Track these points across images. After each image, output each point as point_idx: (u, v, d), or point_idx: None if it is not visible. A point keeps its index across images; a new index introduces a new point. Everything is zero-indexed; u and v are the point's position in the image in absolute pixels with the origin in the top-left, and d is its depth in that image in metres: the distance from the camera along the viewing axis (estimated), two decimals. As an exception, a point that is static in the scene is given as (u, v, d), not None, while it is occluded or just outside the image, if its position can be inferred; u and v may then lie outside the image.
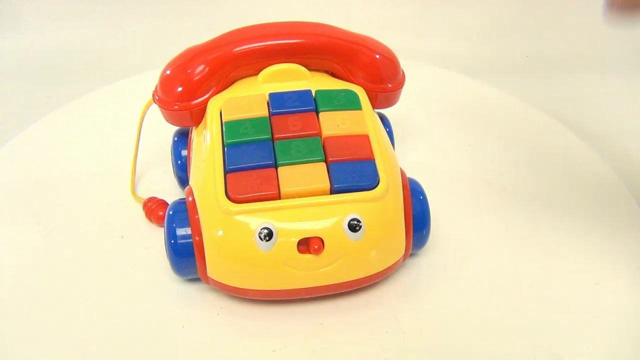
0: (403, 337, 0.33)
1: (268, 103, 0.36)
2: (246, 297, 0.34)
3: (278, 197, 0.32)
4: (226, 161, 0.33)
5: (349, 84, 0.39)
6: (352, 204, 0.32)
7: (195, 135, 0.39)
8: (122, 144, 0.46)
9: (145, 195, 0.42)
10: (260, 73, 0.38)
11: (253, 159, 0.33)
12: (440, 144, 0.49)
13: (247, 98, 0.37)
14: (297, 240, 0.31)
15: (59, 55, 0.67)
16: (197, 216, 0.33)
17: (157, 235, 0.38)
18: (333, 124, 0.35)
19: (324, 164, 0.33)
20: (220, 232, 0.32)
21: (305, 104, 0.36)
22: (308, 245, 0.32)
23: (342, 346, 0.33)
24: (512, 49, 0.68)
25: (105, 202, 0.42)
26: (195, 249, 0.33)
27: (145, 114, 0.42)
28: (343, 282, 0.33)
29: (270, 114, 0.36)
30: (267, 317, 0.34)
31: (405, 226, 0.34)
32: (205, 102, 0.37)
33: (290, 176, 0.33)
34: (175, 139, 0.41)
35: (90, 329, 0.34)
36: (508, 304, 0.35)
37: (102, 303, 0.35)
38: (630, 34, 0.63)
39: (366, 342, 0.33)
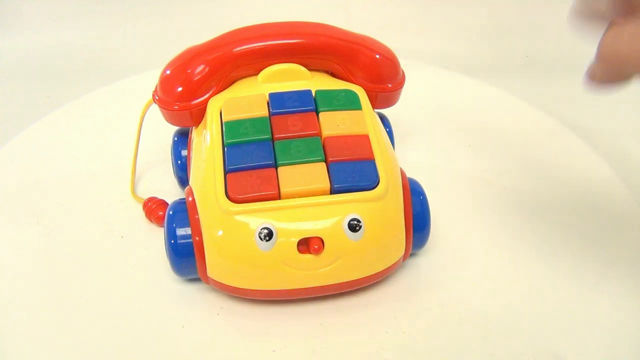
0: (403, 337, 0.33)
1: (268, 103, 0.36)
2: (246, 297, 0.34)
3: (278, 197, 0.32)
4: (226, 161, 0.33)
5: (349, 84, 0.39)
6: (352, 204, 0.32)
7: (195, 135, 0.39)
8: (122, 144, 0.46)
9: (145, 195, 0.42)
10: (260, 73, 0.38)
11: (253, 159, 0.33)
12: (440, 144, 0.49)
13: (247, 98, 0.37)
14: (297, 240, 0.31)
15: (59, 55, 0.67)
16: (197, 216, 0.33)
17: (157, 235, 0.38)
18: (333, 124, 0.35)
19: (324, 164, 0.33)
20: (220, 232, 0.32)
21: (305, 104, 0.36)
22: (308, 245, 0.32)
23: (342, 346, 0.33)
24: (512, 49, 0.68)
25: (105, 202, 0.42)
26: (195, 249, 0.33)
27: (145, 114, 0.42)
28: (343, 282, 0.33)
29: (270, 114, 0.36)
30: (267, 317, 0.34)
31: (405, 226, 0.34)
32: (205, 102, 0.37)
33: (290, 176, 0.33)
34: (175, 139, 0.41)
35: (90, 329, 0.34)
36: (508, 304, 0.35)
37: (102, 303, 0.35)
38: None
39: (366, 342, 0.33)
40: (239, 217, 0.32)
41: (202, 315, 0.34)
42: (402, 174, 0.36)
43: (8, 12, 0.72)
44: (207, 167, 0.34)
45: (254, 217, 0.32)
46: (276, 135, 0.35)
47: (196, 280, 0.35)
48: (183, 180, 0.41)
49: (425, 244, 0.37)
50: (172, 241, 0.33)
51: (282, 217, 0.32)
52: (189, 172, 0.38)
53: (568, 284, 0.37)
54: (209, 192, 0.33)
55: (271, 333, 0.34)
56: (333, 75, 0.40)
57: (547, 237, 0.40)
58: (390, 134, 0.43)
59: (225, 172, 0.33)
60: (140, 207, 0.41)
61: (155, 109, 0.39)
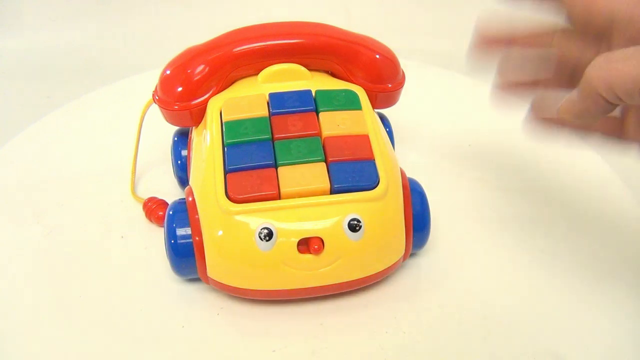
0: (403, 337, 0.33)
1: (268, 103, 0.36)
2: (246, 297, 0.34)
3: (278, 197, 0.32)
4: (226, 161, 0.33)
5: (349, 84, 0.39)
6: (352, 204, 0.32)
7: (195, 135, 0.39)
8: (122, 144, 0.46)
9: (145, 195, 0.42)
10: (260, 73, 0.38)
11: (253, 159, 0.33)
12: (440, 144, 0.49)
13: (247, 98, 0.37)
14: (297, 240, 0.31)
15: (59, 55, 0.67)
16: (197, 216, 0.33)
17: (157, 235, 0.38)
18: (333, 124, 0.35)
19: (324, 164, 0.33)
20: (220, 232, 0.32)
21: (305, 104, 0.36)
22: (308, 245, 0.32)
23: (342, 346, 0.33)
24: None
25: (105, 202, 0.42)
26: (195, 249, 0.33)
27: (145, 114, 0.42)
28: (343, 282, 0.33)
29: (270, 114, 0.36)
30: (267, 317, 0.34)
31: (405, 226, 0.34)
32: (205, 102, 0.37)
33: (290, 176, 0.33)
34: (175, 139, 0.41)
35: (90, 329, 0.34)
36: (508, 304, 0.35)
37: (102, 303, 0.35)
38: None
39: (366, 342, 0.33)
40: (239, 217, 0.32)
41: (202, 315, 0.34)
42: (402, 174, 0.36)
43: (8, 12, 0.72)
44: (207, 167, 0.34)
45: (254, 217, 0.32)
46: (276, 135, 0.35)
47: (196, 280, 0.35)
48: (183, 180, 0.41)
49: (425, 244, 0.37)
50: (172, 241, 0.33)
51: (282, 217, 0.32)
52: (189, 172, 0.38)
53: (568, 284, 0.37)
54: (209, 192, 0.33)
55: (271, 333, 0.34)
56: (333, 75, 0.40)
57: (547, 237, 0.40)
58: (390, 134, 0.43)
59: (225, 172, 0.33)
60: (140, 207, 0.41)
61: (155, 109, 0.39)
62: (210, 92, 0.37)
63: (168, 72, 0.38)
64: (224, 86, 0.38)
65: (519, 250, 0.39)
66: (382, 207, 0.33)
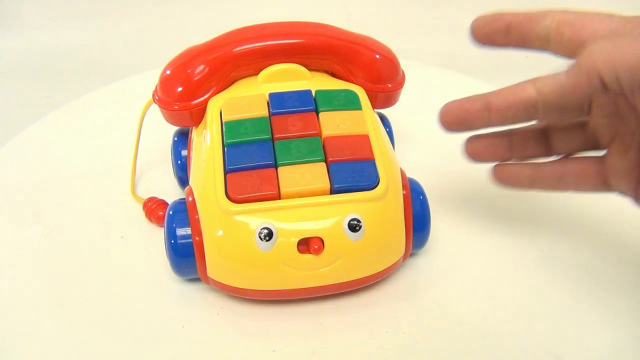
0: (403, 337, 0.33)
1: (268, 103, 0.36)
2: (246, 297, 0.34)
3: (278, 197, 0.32)
4: (226, 161, 0.33)
5: (349, 84, 0.39)
6: (352, 204, 0.32)
7: (195, 135, 0.39)
8: (122, 144, 0.46)
9: (145, 195, 0.42)
10: (260, 73, 0.38)
11: (253, 159, 0.33)
12: (440, 144, 0.49)
13: (247, 98, 0.37)
14: (297, 240, 0.31)
15: (59, 55, 0.67)
16: (197, 216, 0.33)
17: (157, 235, 0.38)
18: (333, 124, 0.35)
19: (324, 164, 0.33)
20: (220, 232, 0.32)
21: (305, 104, 0.36)
22: (308, 245, 0.32)
23: (342, 346, 0.33)
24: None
25: (105, 202, 0.42)
26: (195, 249, 0.33)
27: (145, 114, 0.42)
28: (343, 282, 0.33)
29: (270, 114, 0.36)
30: (267, 317, 0.34)
31: (405, 226, 0.34)
32: (205, 102, 0.37)
33: (290, 176, 0.33)
34: (175, 139, 0.41)
35: (90, 329, 0.34)
36: (508, 304, 0.35)
37: (102, 303, 0.35)
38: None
39: (366, 342, 0.33)
40: (239, 217, 0.32)
41: (202, 315, 0.34)
42: (402, 174, 0.36)
43: (8, 12, 0.72)
44: (207, 167, 0.34)
45: (254, 217, 0.32)
46: (276, 135, 0.35)
47: (196, 280, 0.35)
48: (183, 180, 0.41)
49: (425, 244, 0.37)
50: (172, 241, 0.33)
51: (282, 217, 0.32)
52: (189, 172, 0.38)
53: (568, 284, 0.37)
54: (209, 192, 0.33)
55: (271, 333, 0.34)
56: (333, 75, 0.40)
57: (547, 237, 0.40)
58: (390, 134, 0.43)
59: (225, 172, 0.33)
60: (140, 207, 0.41)
61: (155, 109, 0.39)
62: (210, 92, 0.37)
63: (168, 72, 0.38)
64: (224, 86, 0.38)
65: (519, 250, 0.39)
66: (382, 207, 0.33)
